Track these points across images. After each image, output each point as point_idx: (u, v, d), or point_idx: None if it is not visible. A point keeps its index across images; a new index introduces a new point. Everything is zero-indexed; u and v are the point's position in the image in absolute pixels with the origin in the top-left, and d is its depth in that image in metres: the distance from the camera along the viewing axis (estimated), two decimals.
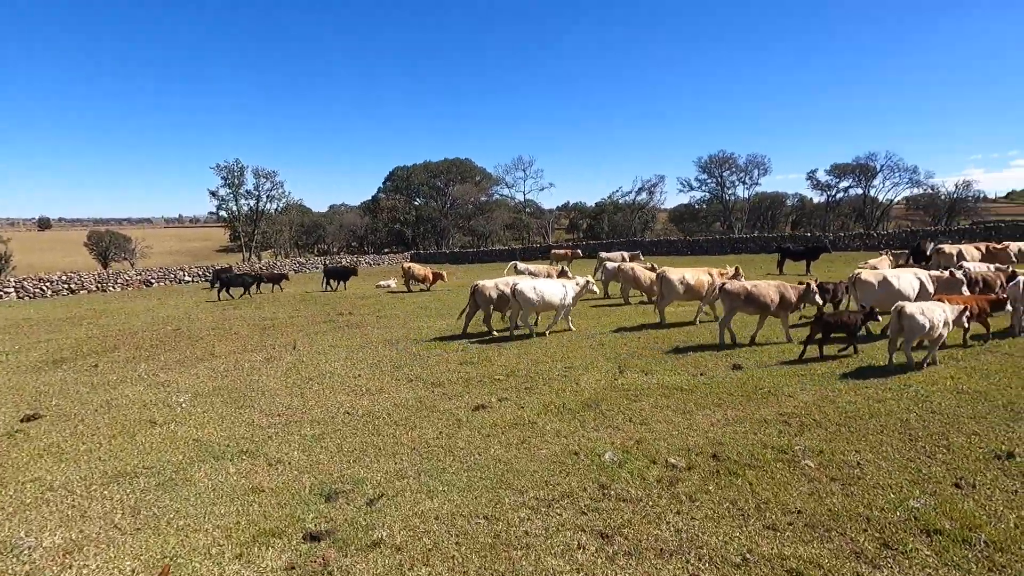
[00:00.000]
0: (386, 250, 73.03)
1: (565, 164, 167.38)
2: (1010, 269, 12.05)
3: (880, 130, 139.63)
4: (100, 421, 7.78)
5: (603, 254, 25.85)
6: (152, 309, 21.24)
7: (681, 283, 12.75)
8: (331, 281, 26.44)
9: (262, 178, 66.51)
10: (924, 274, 10.41)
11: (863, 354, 9.46)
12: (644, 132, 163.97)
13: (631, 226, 74.26)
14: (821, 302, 10.83)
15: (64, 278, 30.79)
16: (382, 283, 26.94)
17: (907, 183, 67.23)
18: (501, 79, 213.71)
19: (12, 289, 28.74)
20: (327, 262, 43.83)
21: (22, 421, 7.86)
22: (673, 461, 5.67)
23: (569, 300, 12.49)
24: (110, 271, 35.36)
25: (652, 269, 16.35)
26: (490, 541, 4.42)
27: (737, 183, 74.01)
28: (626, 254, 26.60)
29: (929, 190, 68.22)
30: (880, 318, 9.78)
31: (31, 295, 29.13)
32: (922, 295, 10.15)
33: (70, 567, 4.29)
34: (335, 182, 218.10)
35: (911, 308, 8.33)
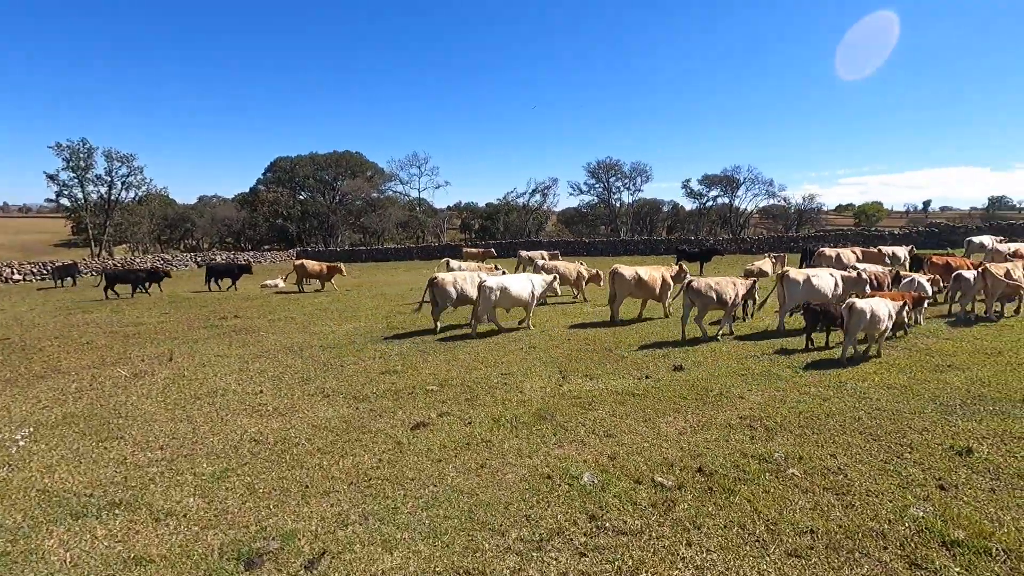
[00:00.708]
0: (266, 247, 67.01)
1: (457, 164, 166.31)
2: (893, 271, 13.34)
3: (741, 146, 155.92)
4: None
5: (524, 253, 25.98)
6: None
7: (633, 279, 12.55)
8: (217, 280, 23.23)
9: (116, 161, 57.36)
10: (837, 273, 11.16)
11: (784, 347, 9.77)
12: (535, 134, 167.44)
13: (525, 227, 75.13)
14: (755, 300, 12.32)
15: None
16: (268, 283, 24.19)
17: (764, 194, 75.12)
18: (390, 73, 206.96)
19: None
20: (200, 259, 39.02)
21: None
22: (660, 480, 5.08)
23: (538, 295, 12.52)
24: None
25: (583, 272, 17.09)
26: None
27: (623, 188, 77.96)
28: (545, 253, 26.58)
29: (782, 201, 76.74)
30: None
31: None
32: (837, 291, 10.89)
33: None
34: (206, 171, 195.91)
35: (861, 304, 8.64)
